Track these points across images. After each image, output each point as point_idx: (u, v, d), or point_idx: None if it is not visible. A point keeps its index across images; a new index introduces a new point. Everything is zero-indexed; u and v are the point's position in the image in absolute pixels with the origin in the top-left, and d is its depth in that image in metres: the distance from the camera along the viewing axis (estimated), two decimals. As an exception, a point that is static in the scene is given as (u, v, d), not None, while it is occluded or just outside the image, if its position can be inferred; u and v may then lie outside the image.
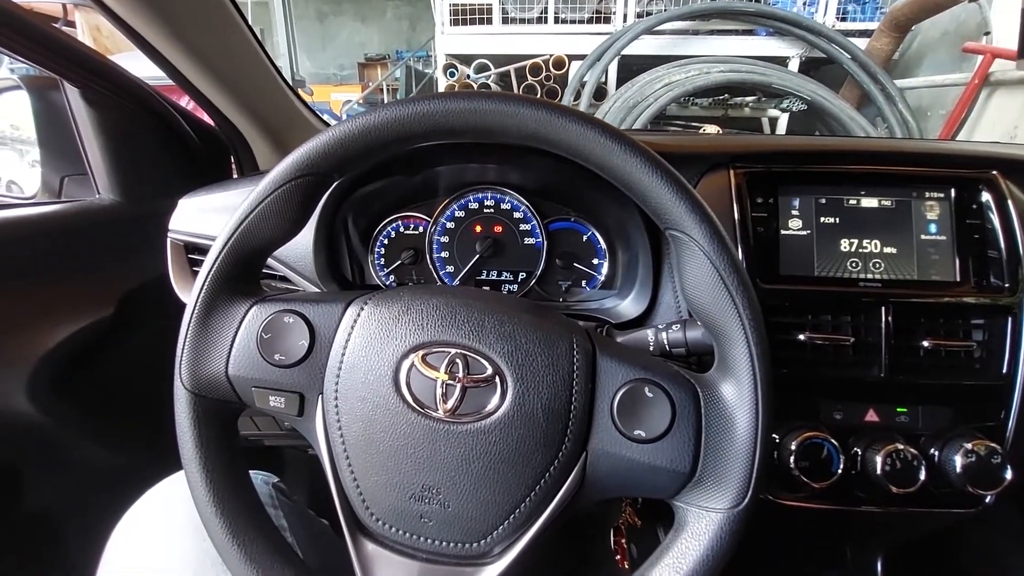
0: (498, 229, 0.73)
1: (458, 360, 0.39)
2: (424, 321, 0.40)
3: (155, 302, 0.76)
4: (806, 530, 0.72)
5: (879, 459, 0.54)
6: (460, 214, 0.73)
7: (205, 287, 0.42)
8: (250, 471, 0.45)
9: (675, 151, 0.62)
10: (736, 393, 0.37)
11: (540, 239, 0.72)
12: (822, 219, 0.61)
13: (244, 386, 0.42)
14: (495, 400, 0.38)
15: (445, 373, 0.39)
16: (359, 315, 0.41)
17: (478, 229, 0.73)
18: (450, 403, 0.38)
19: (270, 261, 0.68)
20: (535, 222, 0.72)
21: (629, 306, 0.63)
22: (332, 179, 0.42)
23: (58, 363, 0.69)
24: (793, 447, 0.54)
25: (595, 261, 0.72)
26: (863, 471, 0.56)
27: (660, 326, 0.51)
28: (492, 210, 0.73)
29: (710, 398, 0.38)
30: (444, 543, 0.39)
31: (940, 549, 0.78)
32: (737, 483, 0.36)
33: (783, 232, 0.61)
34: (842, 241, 0.61)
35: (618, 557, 0.83)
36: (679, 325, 0.51)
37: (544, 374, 0.38)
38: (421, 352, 0.40)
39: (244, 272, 0.44)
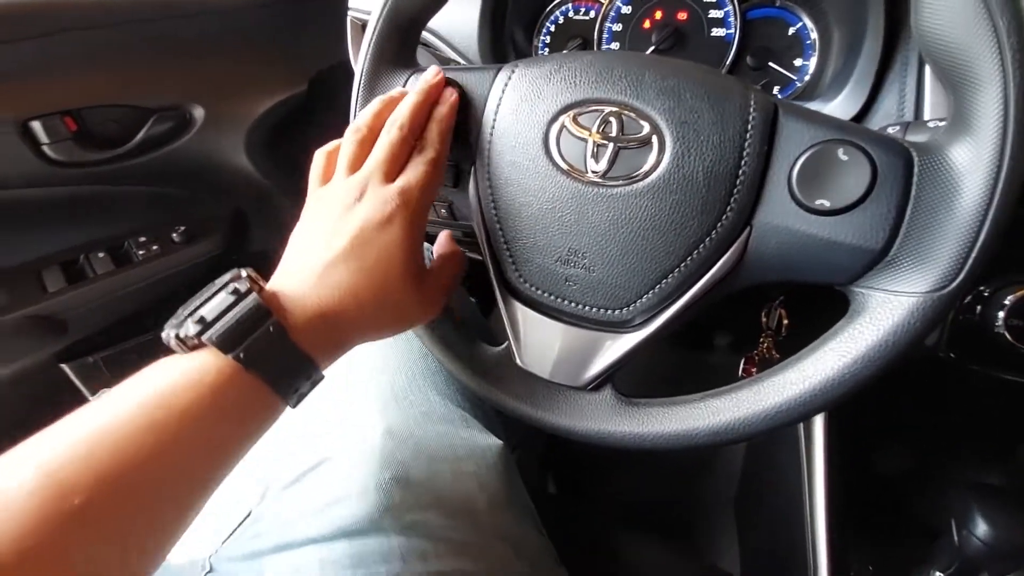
0: (682, 16, 0.62)
1: (612, 119, 0.36)
2: (577, 79, 0.37)
3: (343, 83, 0.82)
4: (989, 408, 0.62)
5: None
6: (640, -5, 0.63)
7: (367, 60, 0.44)
8: None
9: None
10: (972, 153, 0.28)
11: (732, 30, 0.60)
12: None
13: None
14: (650, 162, 0.35)
15: (597, 133, 0.36)
16: (510, 78, 0.40)
17: (658, 16, 0.63)
18: (600, 165, 0.36)
19: (436, 42, 0.68)
20: (730, 7, 0.59)
21: (833, 112, 0.51)
22: None
23: (265, 128, 0.80)
24: (1008, 301, 0.44)
25: (797, 62, 0.59)
26: None
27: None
28: (679, -10, 0.61)
29: (930, 164, 0.29)
30: (587, 307, 0.39)
31: None
32: (947, 261, 0.28)
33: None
34: None
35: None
36: (899, 127, 0.40)
37: (710, 133, 0.33)
38: (573, 112, 0.37)
39: (401, 43, 0.44)
